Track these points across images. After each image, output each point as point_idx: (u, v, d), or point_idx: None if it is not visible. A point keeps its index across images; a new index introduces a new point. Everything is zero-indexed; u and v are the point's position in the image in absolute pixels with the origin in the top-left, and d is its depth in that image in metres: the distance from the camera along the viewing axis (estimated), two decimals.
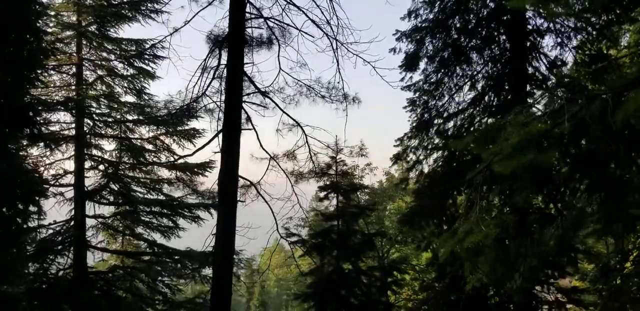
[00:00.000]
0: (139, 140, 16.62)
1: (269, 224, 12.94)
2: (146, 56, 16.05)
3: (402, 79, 13.35)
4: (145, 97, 16.52)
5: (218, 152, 11.66)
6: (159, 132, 16.68)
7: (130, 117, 16.41)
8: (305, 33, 11.48)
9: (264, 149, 12.40)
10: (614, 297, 9.60)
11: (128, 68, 16.22)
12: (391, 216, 26.23)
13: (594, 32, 12.61)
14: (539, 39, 13.26)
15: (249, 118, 12.12)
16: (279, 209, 12.79)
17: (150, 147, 16.88)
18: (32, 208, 11.85)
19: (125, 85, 16.41)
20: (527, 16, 12.92)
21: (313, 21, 11.32)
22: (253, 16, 11.85)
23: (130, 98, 16.50)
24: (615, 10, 12.28)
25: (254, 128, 12.09)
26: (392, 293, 14.28)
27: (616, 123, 3.22)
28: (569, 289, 12.30)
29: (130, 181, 16.71)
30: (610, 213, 4.31)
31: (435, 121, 13.43)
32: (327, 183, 13.30)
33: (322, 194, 13.45)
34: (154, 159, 16.90)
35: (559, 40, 13.01)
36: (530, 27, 13.10)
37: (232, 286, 11.73)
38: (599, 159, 4.01)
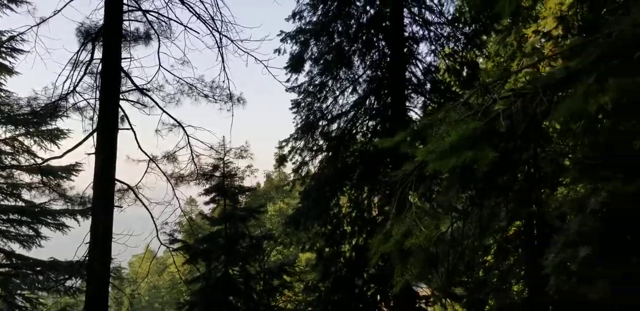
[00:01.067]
0: None
1: (144, 229, 12.23)
2: (3, 49, 14.54)
3: (288, 80, 13.32)
4: (2, 95, 15.00)
5: (92, 154, 10.77)
6: (17, 133, 15.20)
7: None
8: (191, 29, 10.98)
9: (142, 150, 11.67)
10: (477, 289, 10.15)
11: None
12: (272, 218, 26.03)
13: (464, 41, 13.43)
14: (415, 45, 13.87)
15: (125, 117, 11.33)
16: (157, 214, 12.17)
17: (7, 148, 15.30)
18: None
19: None
20: (404, 23, 13.45)
21: (199, 16, 10.84)
22: (131, 8, 11.11)
23: None
24: (482, 21, 13.24)
25: (132, 128, 11.31)
26: (279, 296, 14.11)
27: (554, 121, 3.37)
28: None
29: None
30: (516, 211, 4.54)
31: (320, 123, 13.54)
32: (212, 185, 12.83)
33: (207, 197, 12.94)
34: (12, 162, 15.33)
35: (432, 47, 13.72)
36: (407, 34, 13.64)
37: (108, 297, 10.88)
38: (515, 158, 4.20)
